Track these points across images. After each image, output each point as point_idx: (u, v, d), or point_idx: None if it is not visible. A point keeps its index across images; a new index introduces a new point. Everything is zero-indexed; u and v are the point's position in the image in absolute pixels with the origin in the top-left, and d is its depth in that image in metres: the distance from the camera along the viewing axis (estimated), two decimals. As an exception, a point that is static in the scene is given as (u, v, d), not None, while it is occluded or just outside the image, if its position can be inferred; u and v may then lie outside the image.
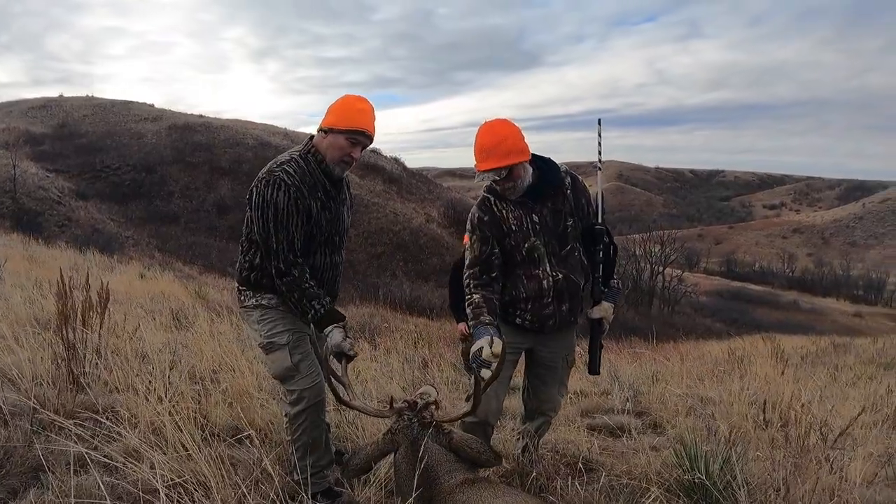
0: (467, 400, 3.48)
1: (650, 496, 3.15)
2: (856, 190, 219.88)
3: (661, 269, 62.39)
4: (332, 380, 3.08)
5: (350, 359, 3.22)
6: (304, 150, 3.32)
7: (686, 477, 3.37)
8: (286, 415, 3.41)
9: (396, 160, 63.95)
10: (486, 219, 3.57)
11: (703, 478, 3.26)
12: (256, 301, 3.38)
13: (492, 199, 3.60)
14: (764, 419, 4.25)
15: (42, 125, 57.03)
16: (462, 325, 6.37)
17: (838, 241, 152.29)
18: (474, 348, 3.20)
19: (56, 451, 3.31)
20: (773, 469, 3.30)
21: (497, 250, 3.55)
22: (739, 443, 3.79)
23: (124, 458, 2.96)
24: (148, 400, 3.59)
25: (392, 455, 2.92)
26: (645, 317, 43.77)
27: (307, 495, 3.02)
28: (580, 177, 3.71)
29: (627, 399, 5.76)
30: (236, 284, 3.53)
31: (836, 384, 8.47)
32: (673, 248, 65.98)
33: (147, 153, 52.13)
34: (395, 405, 3.02)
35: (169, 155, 52.13)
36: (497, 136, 3.35)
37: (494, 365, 3.06)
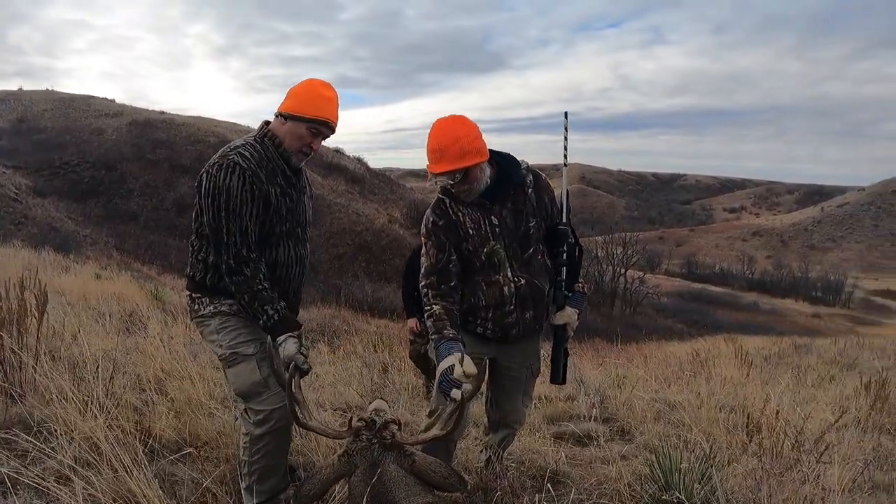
0: (429, 416, 3.26)
1: None
2: (815, 195, 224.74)
3: (622, 270, 62.88)
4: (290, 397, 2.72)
5: (304, 373, 2.84)
6: (259, 135, 2.99)
7: (664, 497, 3.16)
8: (246, 434, 3.00)
9: (359, 160, 63.39)
10: (441, 223, 3.31)
11: (683, 498, 3.05)
12: (215, 308, 3.01)
13: (447, 201, 3.34)
14: (746, 428, 4.12)
15: (0, 119, 55.73)
16: (413, 322, 6.30)
17: (797, 244, 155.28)
18: (442, 366, 2.95)
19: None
20: (755, 485, 3.12)
21: (454, 257, 3.30)
22: (716, 454, 3.63)
23: (55, 479, 2.71)
24: (83, 414, 3.29)
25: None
26: (607, 318, 44.01)
27: None
28: (543, 174, 3.48)
29: (594, 405, 5.63)
30: (188, 293, 3.11)
31: (802, 386, 8.45)
32: (634, 250, 66.57)
33: (107, 150, 51.07)
34: (353, 424, 2.70)
35: (129, 152, 51.11)
36: (451, 136, 3.07)
37: (466, 386, 2.81)
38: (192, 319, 3.15)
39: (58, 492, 2.66)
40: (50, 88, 68.52)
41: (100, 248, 35.87)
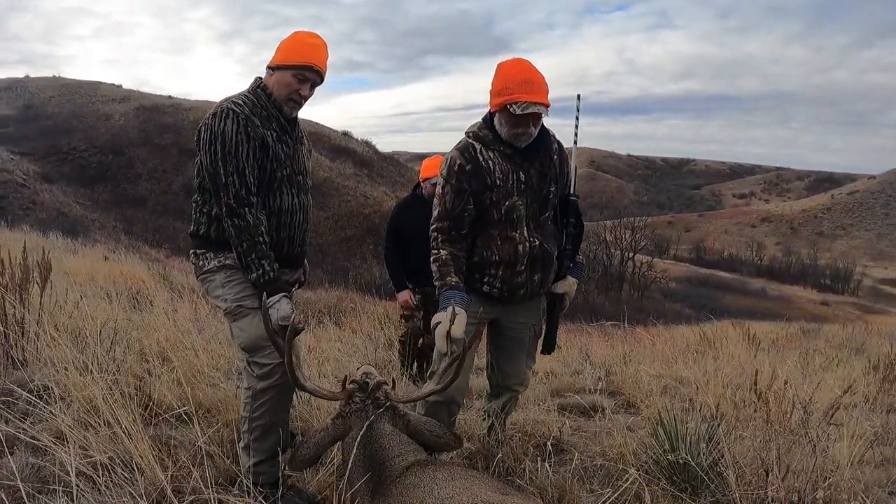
0: (429, 377, 3.16)
1: (627, 478, 2.89)
2: (824, 181, 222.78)
3: (631, 255, 62.69)
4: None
5: (297, 333, 2.71)
6: (252, 87, 3.02)
7: (669, 457, 3.13)
8: (248, 388, 2.97)
9: (367, 143, 63.45)
10: (468, 168, 3.21)
11: (689, 458, 3.03)
12: (220, 262, 2.97)
13: (478, 147, 3.25)
14: (757, 397, 4.07)
15: (7, 107, 56.00)
16: (406, 295, 5.71)
17: (806, 231, 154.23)
18: (434, 320, 2.92)
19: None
20: (764, 448, 3.08)
21: (471, 206, 3.22)
22: (723, 419, 3.59)
23: (53, 438, 2.69)
24: (86, 376, 3.27)
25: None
26: (615, 301, 43.86)
27: (251, 483, 2.77)
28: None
29: (599, 379, 5.57)
30: (192, 251, 3.07)
31: (810, 367, 8.40)
32: (643, 234, 66.28)
33: (114, 135, 51.26)
34: (346, 386, 2.70)
35: (136, 137, 51.28)
36: (536, 72, 3.09)
37: (454, 346, 2.80)
38: (197, 277, 3.11)
39: (55, 450, 2.65)
40: (56, 75, 68.66)
41: (108, 232, 36.06)
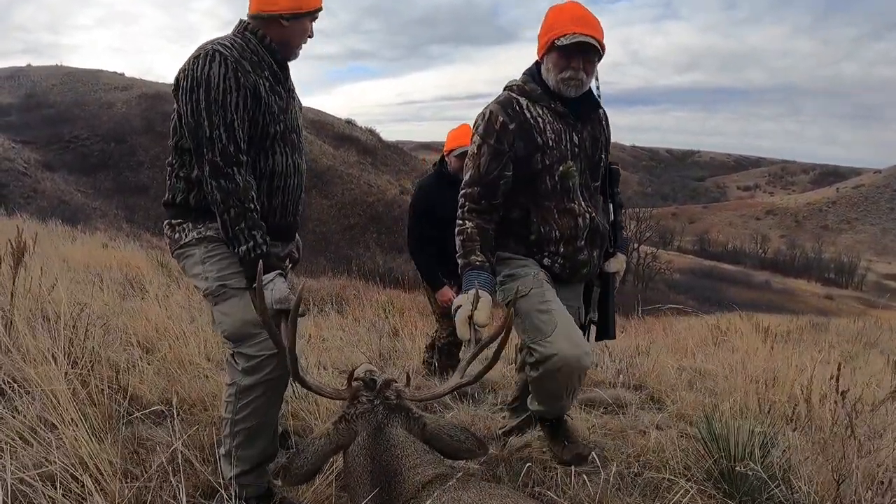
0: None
1: (676, 490, 2.47)
2: (830, 175, 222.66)
3: (636, 245, 62.48)
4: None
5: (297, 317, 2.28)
6: (239, 30, 2.58)
7: (722, 465, 2.70)
8: (231, 384, 2.52)
9: (371, 131, 63.06)
10: (511, 126, 2.77)
11: (759, 468, 2.57)
12: (199, 234, 2.53)
13: (524, 102, 2.84)
14: (810, 398, 3.71)
15: (9, 95, 55.80)
16: (448, 292, 4.77)
17: (811, 225, 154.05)
18: (454, 304, 2.55)
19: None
20: (824, 456, 2.69)
21: (509, 173, 2.80)
22: (788, 423, 3.19)
23: (11, 440, 2.31)
24: (54, 367, 2.80)
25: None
26: (619, 292, 43.73)
27: (235, 496, 2.33)
28: None
29: (620, 371, 5.25)
30: (167, 221, 2.64)
31: (829, 362, 8.13)
32: (647, 225, 66.05)
33: (117, 123, 51.03)
34: (353, 384, 2.23)
35: (139, 125, 51.02)
36: (590, 14, 2.74)
37: (480, 332, 2.45)
38: (172, 253, 2.66)
39: (15, 451, 2.27)
40: (58, 64, 68.57)
41: (109, 220, 35.93)
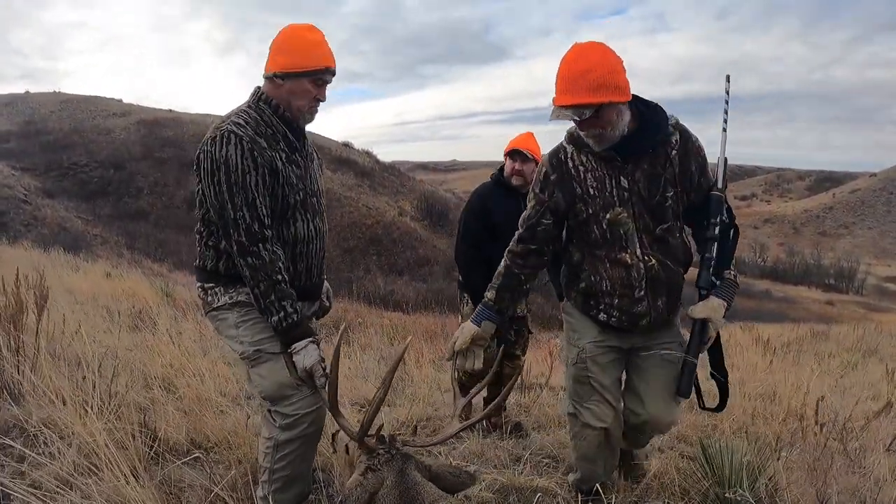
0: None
1: None
2: (825, 181, 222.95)
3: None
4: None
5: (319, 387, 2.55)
6: (253, 100, 2.67)
7: (720, 493, 2.84)
8: (269, 438, 2.66)
9: (368, 153, 63.39)
10: (552, 177, 2.80)
11: (745, 492, 2.72)
12: (231, 298, 2.65)
13: (569, 150, 2.81)
14: (797, 418, 3.87)
15: (8, 122, 55.99)
16: None
17: (809, 231, 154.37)
18: (450, 341, 2.77)
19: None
20: (811, 478, 2.87)
21: (548, 220, 2.82)
22: (779, 449, 3.34)
23: (56, 486, 2.47)
24: (86, 413, 3.01)
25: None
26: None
27: None
28: (694, 136, 2.83)
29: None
30: (199, 285, 2.75)
31: (828, 374, 8.26)
32: (647, 238, 66.30)
33: (115, 149, 51.24)
34: (368, 444, 2.39)
35: (137, 151, 51.26)
36: (584, 64, 2.53)
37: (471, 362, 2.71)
38: (206, 314, 2.78)
39: (55, 498, 2.44)
40: (56, 90, 68.90)
41: (110, 247, 35.96)
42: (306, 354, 2.51)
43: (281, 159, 2.60)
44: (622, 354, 2.98)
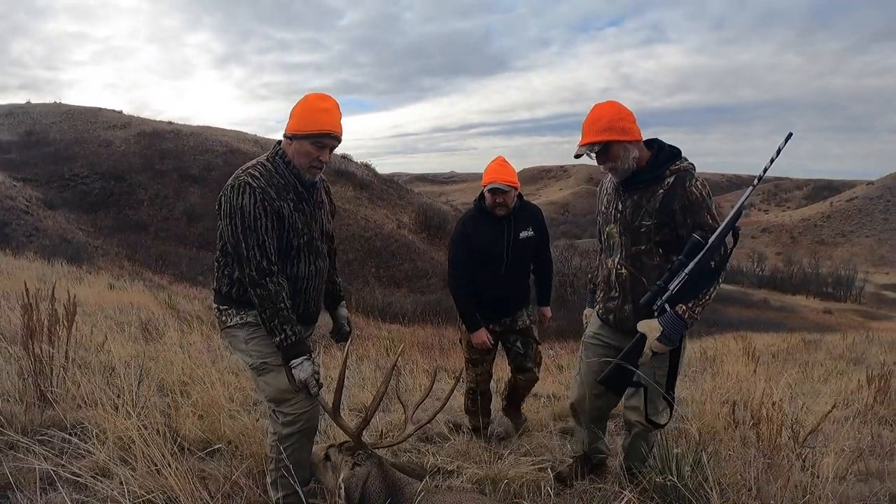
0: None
1: (623, 499, 3.10)
2: (823, 189, 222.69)
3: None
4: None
5: (319, 388, 3.08)
6: (272, 154, 3.15)
7: (658, 479, 3.38)
8: (275, 434, 3.19)
9: (367, 166, 63.41)
10: (598, 192, 3.77)
11: (675, 480, 3.27)
12: (241, 319, 3.16)
13: (609, 177, 3.59)
14: (734, 419, 4.28)
15: (9, 133, 55.90)
16: (483, 335, 4.61)
17: (807, 240, 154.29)
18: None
19: (24, 468, 3.21)
20: (744, 469, 3.32)
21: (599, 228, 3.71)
22: (710, 443, 3.82)
23: (93, 475, 2.91)
24: (116, 413, 3.51)
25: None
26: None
27: None
28: (695, 183, 3.26)
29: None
30: (215, 305, 3.27)
31: (808, 381, 8.57)
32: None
33: (116, 161, 51.37)
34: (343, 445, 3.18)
35: (138, 163, 51.40)
36: (597, 113, 3.31)
37: None
38: (220, 330, 3.31)
39: (96, 486, 2.87)
40: (57, 101, 68.89)
41: (111, 258, 36.10)
42: (301, 369, 3.02)
43: (288, 207, 3.09)
44: (613, 352, 3.50)
